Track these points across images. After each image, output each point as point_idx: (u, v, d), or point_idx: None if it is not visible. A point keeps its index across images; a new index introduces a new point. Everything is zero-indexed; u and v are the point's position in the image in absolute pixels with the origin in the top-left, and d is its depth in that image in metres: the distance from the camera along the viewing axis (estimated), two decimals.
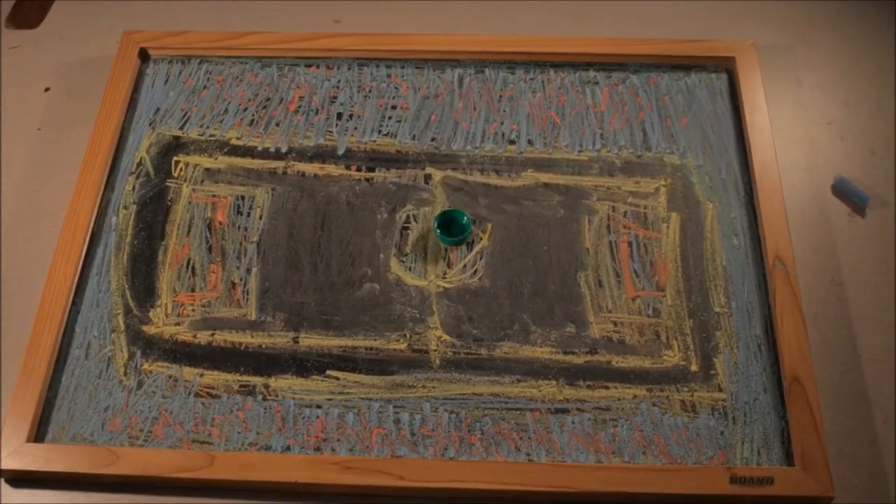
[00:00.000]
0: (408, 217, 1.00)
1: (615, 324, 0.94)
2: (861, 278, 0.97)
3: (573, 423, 0.88)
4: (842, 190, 1.02)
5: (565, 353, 0.92)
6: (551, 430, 0.88)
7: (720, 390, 0.90)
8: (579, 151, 1.04)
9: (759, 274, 0.96)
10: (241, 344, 0.93)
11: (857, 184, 1.02)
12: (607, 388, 0.90)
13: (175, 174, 1.04)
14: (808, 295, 0.96)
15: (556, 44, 1.11)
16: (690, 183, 1.02)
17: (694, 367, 0.91)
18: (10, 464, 0.86)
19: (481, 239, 0.99)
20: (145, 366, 0.92)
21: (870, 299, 0.96)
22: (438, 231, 0.97)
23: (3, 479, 0.87)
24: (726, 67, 1.09)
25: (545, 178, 1.03)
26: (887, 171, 1.04)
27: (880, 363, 0.92)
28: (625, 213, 1.00)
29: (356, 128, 1.06)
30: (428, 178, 1.03)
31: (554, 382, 0.91)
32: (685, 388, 0.90)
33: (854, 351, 0.93)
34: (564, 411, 0.89)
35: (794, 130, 1.06)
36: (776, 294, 0.93)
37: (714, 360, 0.92)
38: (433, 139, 1.06)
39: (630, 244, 0.98)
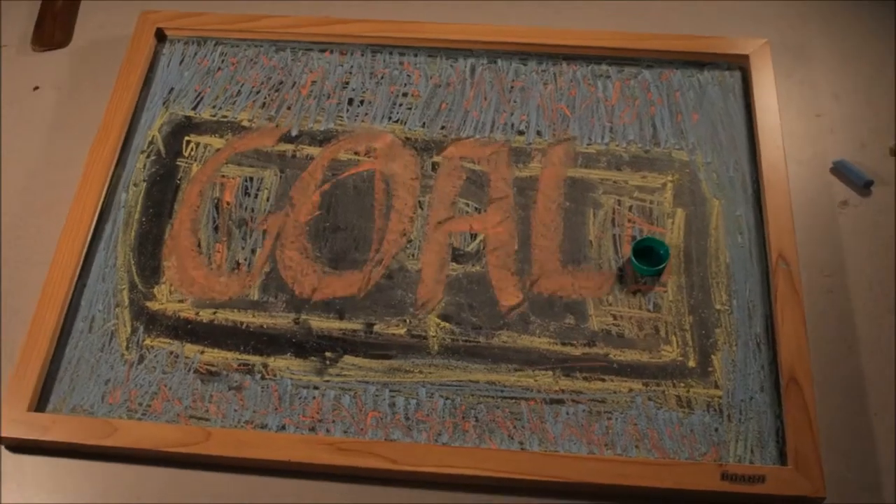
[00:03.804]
0: (413, 204, 1.01)
1: (615, 317, 0.94)
2: (853, 269, 0.98)
3: (567, 413, 0.89)
4: (842, 171, 1.02)
5: (563, 343, 0.92)
6: (545, 420, 0.88)
7: (716, 387, 0.90)
8: (588, 144, 1.04)
9: (762, 272, 0.95)
10: (242, 323, 0.94)
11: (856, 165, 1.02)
12: (603, 380, 0.90)
13: (186, 154, 1.05)
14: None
15: (569, 37, 1.11)
16: (698, 179, 1.02)
17: (691, 363, 0.91)
18: (10, 431, 0.87)
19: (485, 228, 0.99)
20: (147, 341, 0.93)
21: (865, 293, 0.96)
22: (635, 260, 0.95)
23: (3, 446, 0.89)
24: (740, 65, 1.09)
25: None
26: (876, 162, 1.04)
27: (879, 361, 0.92)
28: (630, 207, 1.00)
29: (367, 113, 1.07)
30: (435, 165, 1.03)
31: (550, 373, 0.91)
32: (681, 384, 0.90)
33: (853, 347, 0.93)
34: (559, 402, 0.89)
35: (785, 123, 1.05)
36: (778, 293, 0.93)
37: (712, 356, 0.91)
38: (443, 127, 1.06)
39: (633, 238, 0.98)
